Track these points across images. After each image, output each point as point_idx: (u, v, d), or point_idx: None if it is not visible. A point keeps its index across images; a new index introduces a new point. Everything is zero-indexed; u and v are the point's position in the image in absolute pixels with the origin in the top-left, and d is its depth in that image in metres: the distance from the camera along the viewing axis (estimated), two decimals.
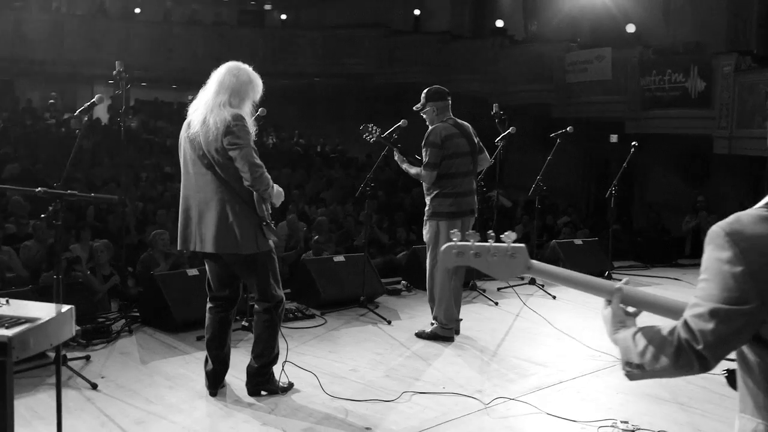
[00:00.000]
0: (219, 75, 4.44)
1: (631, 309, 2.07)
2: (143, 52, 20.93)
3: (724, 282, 1.66)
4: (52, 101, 23.09)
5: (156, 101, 25.99)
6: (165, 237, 8.11)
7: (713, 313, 1.67)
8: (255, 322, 4.60)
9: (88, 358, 5.24)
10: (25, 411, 4.26)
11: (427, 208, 6.07)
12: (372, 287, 7.20)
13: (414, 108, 6.22)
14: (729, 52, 13.61)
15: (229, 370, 4.77)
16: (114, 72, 6.05)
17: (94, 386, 4.69)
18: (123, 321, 6.02)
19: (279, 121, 25.94)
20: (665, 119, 14.44)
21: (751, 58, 13.37)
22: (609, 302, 2.08)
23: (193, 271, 6.27)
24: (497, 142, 7.64)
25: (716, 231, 1.69)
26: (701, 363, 1.73)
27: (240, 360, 4.88)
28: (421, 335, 6.11)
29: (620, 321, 2.01)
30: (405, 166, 6.21)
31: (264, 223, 4.44)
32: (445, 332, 6.06)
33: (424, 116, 6.18)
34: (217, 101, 4.37)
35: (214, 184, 4.38)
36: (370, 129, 6.33)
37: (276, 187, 4.54)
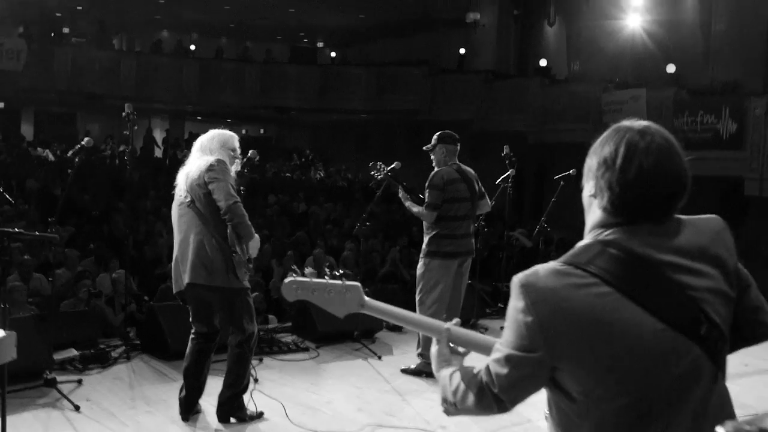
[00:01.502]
0: (196, 144, 4.88)
1: (461, 349, 2.24)
2: (195, 88, 21.71)
3: (518, 330, 1.78)
4: (126, 112, 24.00)
5: None
6: None
7: (508, 359, 1.79)
8: (228, 354, 4.88)
9: (79, 381, 5.58)
10: (10, 429, 4.59)
11: (424, 246, 6.29)
12: (369, 322, 7.41)
13: (424, 148, 6.46)
14: (761, 94, 13.58)
15: (206, 398, 5.05)
16: (123, 114, 6.43)
17: (77, 408, 5.01)
18: (123, 348, 6.36)
19: (330, 156, 26.50)
20: (697, 161, 14.27)
21: None
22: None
23: None
24: (499, 182, 7.83)
25: (514, 281, 1.83)
26: (499, 405, 1.87)
27: (216, 387, 5.15)
28: (406, 371, 6.30)
29: (445, 360, 2.16)
30: (408, 203, 6.43)
31: (243, 260, 4.75)
32: (429, 368, 6.23)
33: (433, 156, 6.41)
34: (193, 159, 4.77)
35: (193, 221, 4.72)
36: (378, 167, 6.63)
37: (255, 236, 4.84)
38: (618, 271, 1.70)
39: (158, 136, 26.14)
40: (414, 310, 6.43)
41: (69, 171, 5.61)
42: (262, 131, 30.20)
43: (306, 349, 6.87)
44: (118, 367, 6.07)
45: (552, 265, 1.78)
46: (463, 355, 2.23)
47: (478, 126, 20.58)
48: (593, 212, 1.86)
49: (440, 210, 6.12)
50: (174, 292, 4.99)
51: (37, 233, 6.18)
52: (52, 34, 23.10)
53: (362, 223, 7.08)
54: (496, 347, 1.86)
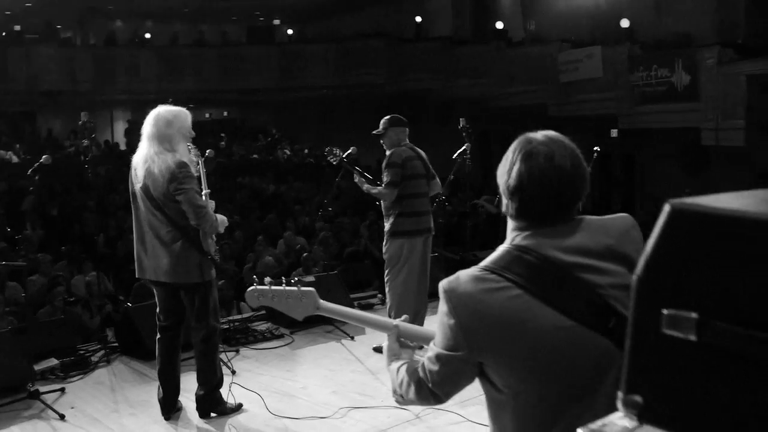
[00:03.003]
0: (144, 128, 4.90)
1: (412, 343, 2.46)
2: (153, 76, 21.64)
3: (444, 331, 1.99)
4: (82, 121, 23.91)
5: None
6: None
7: (438, 358, 2.01)
8: (195, 352, 5.07)
9: (62, 390, 5.74)
10: None
11: (388, 227, 6.46)
12: (341, 304, 7.61)
13: (374, 132, 6.60)
14: (711, 44, 13.83)
15: (186, 394, 5.25)
16: (80, 122, 6.55)
17: (62, 417, 5.19)
18: (102, 351, 6.52)
19: (295, 135, 26.54)
20: (655, 114, 14.70)
21: (734, 49, 13.58)
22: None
23: None
24: (455, 157, 8.00)
25: (440, 287, 2.06)
26: (435, 398, 2.11)
27: (194, 383, 5.32)
28: (378, 349, 6.51)
29: (394, 354, 2.39)
30: (366, 187, 6.58)
31: (209, 257, 4.93)
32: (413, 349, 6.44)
33: (383, 141, 6.56)
34: (152, 152, 4.83)
35: (164, 224, 4.87)
36: (334, 152, 6.78)
37: (219, 217, 5.04)
38: (529, 275, 1.90)
39: (121, 126, 26.04)
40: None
41: (30, 188, 5.66)
42: (225, 114, 30.11)
43: (281, 336, 7.07)
44: (99, 372, 6.23)
45: (471, 271, 1.98)
46: (413, 348, 2.45)
47: (441, 94, 20.74)
48: (508, 218, 2.06)
49: (400, 188, 6.29)
50: (137, 275, 5.16)
51: (3, 263, 6.25)
52: (4, 34, 22.84)
53: (325, 208, 7.23)
54: (430, 346, 2.09)
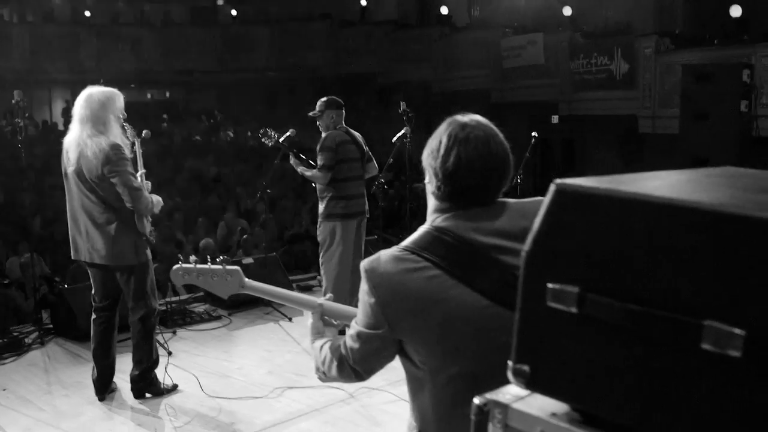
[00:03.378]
0: (76, 110, 4.84)
1: (335, 321, 2.51)
2: (93, 55, 21.24)
3: (365, 310, 2.05)
4: (15, 100, 23.29)
5: None
6: None
7: (359, 335, 2.07)
8: (131, 331, 5.06)
9: None
10: None
11: (321, 210, 6.50)
12: (280, 285, 7.61)
13: (310, 114, 6.61)
14: (649, 34, 14.12)
15: (120, 375, 5.24)
16: (13, 101, 6.43)
17: None
18: (36, 333, 6.45)
19: (238, 117, 26.29)
20: (594, 101, 14.97)
21: (671, 39, 13.88)
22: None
23: None
24: (394, 141, 8.05)
25: (361, 266, 2.11)
26: (356, 375, 2.17)
27: (129, 365, 5.31)
28: None
29: (318, 332, 2.43)
30: (300, 169, 6.59)
31: (144, 237, 4.92)
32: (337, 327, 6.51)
33: (320, 122, 6.58)
34: (85, 134, 4.78)
35: (98, 205, 4.83)
36: (269, 134, 6.76)
37: (155, 198, 5.03)
38: (447, 255, 1.96)
39: (59, 106, 25.49)
40: None
41: None
42: (167, 95, 29.68)
43: (218, 318, 7.07)
44: (33, 353, 6.17)
45: (392, 251, 2.03)
46: (337, 327, 2.50)
47: (384, 78, 20.77)
48: (430, 199, 2.12)
49: (333, 171, 6.33)
50: (72, 257, 5.12)
51: None
52: None
53: (264, 190, 7.24)
54: (352, 324, 2.14)
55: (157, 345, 5.26)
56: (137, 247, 4.90)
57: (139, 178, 4.94)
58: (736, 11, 14.13)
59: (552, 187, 1.11)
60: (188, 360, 5.84)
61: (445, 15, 21.06)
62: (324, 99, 6.49)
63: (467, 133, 2.00)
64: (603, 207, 1.05)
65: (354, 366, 2.12)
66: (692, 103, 11.12)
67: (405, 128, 7.89)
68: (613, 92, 14.46)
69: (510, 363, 1.17)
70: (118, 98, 4.94)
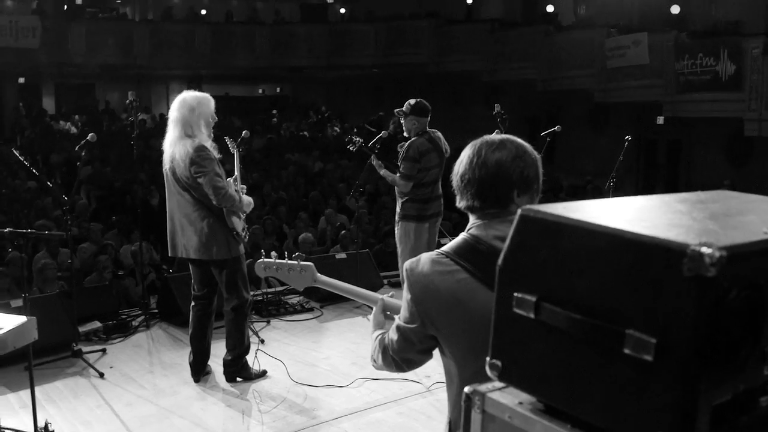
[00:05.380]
0: (171, 113, 5.24)
1: (396, 316, 2.75)
2: (207, 52, 22.16)
3: (405, 306, 2.28)
4: (129, 100, 24.52)
5: (226, 96, 27.26)
6: None
7: (398, 328, 2.30)
8: (225, 320, 5.45)
9: (104, 351, 6.19)
10: (40, 395, 5.20)
11: (399, 210, 6.76)
12: (370, 280, 7.95)
13: (396, 111, 6.83)
14: (758, 34, 13.74)
15: (215, 359, 5.65)
16: (127, 101, 6.95)
17: (101, 375, 5.63)
18: (143, 317, 6.96)
19: (344, 112, 26.86)
20: (699, 102, 14.68)
21: None
22: None
23: None
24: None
25: (404, 266, 2.36)
26: (396, 365, 2.41)
27: (223, 350, 5.71)
28: None
29: (378, 324, 2.67)
30: (383, 172, 6.87)
31: (234, 233, 5.29)
32: None
33: (403, 122, 6.78)
34: (175, 136, 5.19)
35: (191, 204, 5.23)
36: (353, 140, 7.07)
37: (246, 199, 5.40)
38: (477, 261, 2.17)
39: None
40: None
41: (77, 163, 6.08)
42: (278, 90, 30.55)
43: (311, 309, 7.43)
44: (138, 336, 6.67)
45: (431, 254, 2.26)
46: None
47: (487, 76, 20.84)
48: (469, 209, 2.32)
49: (414, 179, 6.56)
50: (170, 254, 5.54)
51: (46, 232, 6.72)
52: (65, 8, 23.54)
53: (357, 187, 7.55)
54: (396, 318, 2.38)
55: (249, 333, 5.63)
56: (229, 243, 5.26)
57: (233, 181, 5.31)
58: None
59: (518, 213, 1.33)
60: (279, 348, 6.20)
61: (550, 13, 20.96)
62: (412, 102, 6.66)
63: (495, 149, 2.20)
64: (555, 231, 1.26)
65: (394, 356, 2.36)
66: None
67: (497, 130, 8.04)
68: (718, 94, 14.15)
69: (488, 359, 1.40)
70: (208, 102, 5.27)
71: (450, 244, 2.27)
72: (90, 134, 5.91)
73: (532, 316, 1.29)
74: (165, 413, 5.00)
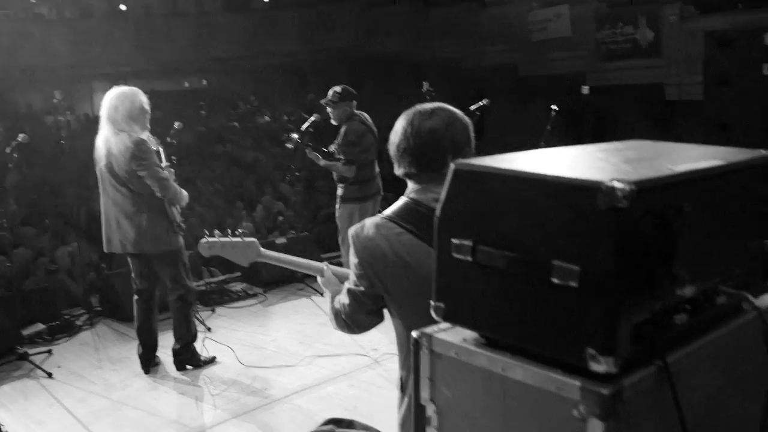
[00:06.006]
0: (102, 110, 5.24)
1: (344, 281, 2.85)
2: (130, 48, 21.83)
3: (353, 269, 2.41)
4: (56, 99, 24.09)
5: (152, 92, 26.86)
6: None
7: (348, 291, 2.43)
8: (171, 310, 5.49)
9: (50, 352, 6.16)
10: None
11: (340, 192, 6.86)
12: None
13: (322, 101, 6.90)
14: (674, 1, 14.16)
15: (162, 350, 5.69)
16: (54, 100, 6.89)
17: (50, 375, 5.62)
18: (86, 315, 6.93)
19: (273, 101, 26.74)
20: (622, 71, 15.08)
21: (694, 5, 13.93)
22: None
23: None
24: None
25: (348, 232, 2.45)
26: (348, 327, 2.54)
27: (170, 340, 5.75)
28: None
29: (332, 284, 2.77)
30: (322, 163, 6.92)
31: (175, 224, 5.34)
32: None
33: (332, 111, 6.81)
34: (109, 133, 5.20)
35: (128, 198, 5.25)
36: (290, 137, 7.16)
37: (183, 194, 5.44)
38: (416, 222, 2.30)
39: (100, 98, 26.09)
40: None
41: (9, 165, 6.02)
42: (204, 82, 30.19)
43: (254, 295, 7.52)
44: (84, 334, 6.66)
45: (375, 219, 2.40)
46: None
47: (413, 56, 20.99)
48: (406, 174, 2.43)
49: (357, 162, 6.67)
50: (105, 250, 5.56)
51: None
52: None
53: (291, 172, 7.63)
54: (346, 283, 2.50)
55: (196, 321, 5.68)
56: (168, 235, 5.32)
57: (172, 172, 5.36)
58: None
59: (451, 167, 1.45)
60: (226, 335, 6.28)
61: None
62: (339, 90, 6.72)
63: (427, 118, 2.34)
64: (485, 180, 1.39)
65: (345, 319, 2.49)
66: (715, 70, 11.28)
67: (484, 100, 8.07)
68: (639, 61, 14.56)
69: (432, 302, 1.52)
70: (136, 95, 5.29)
71: (391, 209, 2.39)
72: (21, 135, 5.86)
73: (469, 258, 1.42)
74: (118, 406, 5.04)
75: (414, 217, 2.32)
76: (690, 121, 14.34)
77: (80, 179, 14.88)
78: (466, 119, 2.44)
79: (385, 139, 2.49)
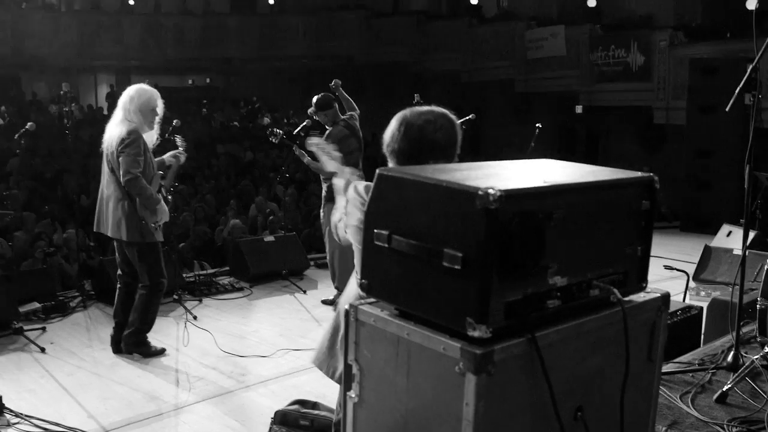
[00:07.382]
0: (121, 99, 5.59)
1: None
2: (137, 43, 22.25)
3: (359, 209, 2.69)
4: (63, 91, 24.37)
5: (156, 87, 27.20)
6: None
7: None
8: (137, 297, 5.79)
9: (44, 329, 6.53)
10: None
11: (324, 193, 7.23)
12: (298, 262, 8.46)
13: (309, 111, 7.31)
14: (665, 27, 14.61)
15: (153, 335, 6.05)
16: (61, 92, 7.26)
17: (42, 350, 5.98)
18: (80, 298, 7.31)
19: (276, 104, 27.16)
20: (612, 92, 15.53)
21: (684, 32, 14.37)
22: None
23: None
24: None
25: (348, 192, 2.71)
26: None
27: (164, 326, 6.10)
28: (325, 301, 7.33)
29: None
30: (306, 161, 7.29)
31: (143, 222, 5.56)
32: None
33: (317, 118, 7.25)
34: (117, 120, 5.56)
35: (114, 184, 5.58)
36: (274, 132, 7.51)
37: (162, 204, 5.69)
38: None
39: (104, 91, 26.57)
40: None
41: (17, 151, 6.39)
42: (208, 80, 30.64)
43: (241, 289, 7.88)
44: (77, 315, 7.03)
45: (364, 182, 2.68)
46: None
47: (414, 67, 21.44)
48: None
49: None
50: (94, 229, 5.90)
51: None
52: None
53: (282, 176, 8.00)
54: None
55: (155, 316, 5.90)
56: (141, 228, 5.56)
57: (159, 174, 5.67)
58: (751, 4, 14.52)
59: (377, 173, 1.84)
60: (210, 323, 6.64)
61: (474, 5, 21.62)
62: (314, 100, 7.15)
63: (417, 119, 2.62)
64: (400, 184, 1.78)
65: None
66: (699, 96, 11.68)
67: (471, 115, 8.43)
68: (630, 84, 15.00)
69: (357, 278, 1.91)
70: (150, 95, 5.62)
71: None
72: (29, 123, 6.22)
73: (386, 245, 1.80)
74: (105, 381, 5.40)
75: None
76: (673, 145, 14.78)
77: (82, 168, 15.34)
78: (456, 122, 2.74)
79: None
